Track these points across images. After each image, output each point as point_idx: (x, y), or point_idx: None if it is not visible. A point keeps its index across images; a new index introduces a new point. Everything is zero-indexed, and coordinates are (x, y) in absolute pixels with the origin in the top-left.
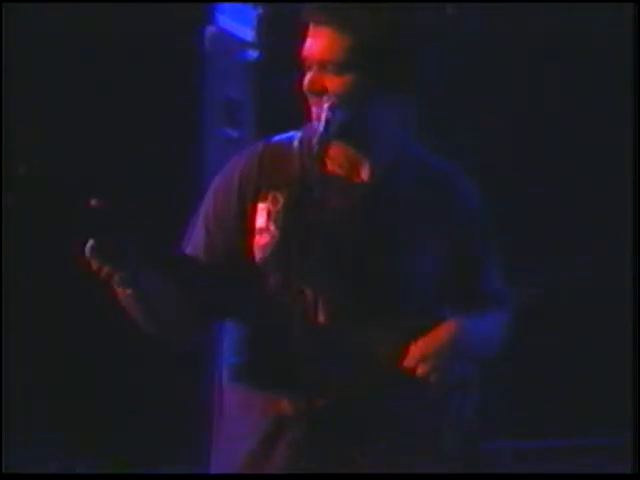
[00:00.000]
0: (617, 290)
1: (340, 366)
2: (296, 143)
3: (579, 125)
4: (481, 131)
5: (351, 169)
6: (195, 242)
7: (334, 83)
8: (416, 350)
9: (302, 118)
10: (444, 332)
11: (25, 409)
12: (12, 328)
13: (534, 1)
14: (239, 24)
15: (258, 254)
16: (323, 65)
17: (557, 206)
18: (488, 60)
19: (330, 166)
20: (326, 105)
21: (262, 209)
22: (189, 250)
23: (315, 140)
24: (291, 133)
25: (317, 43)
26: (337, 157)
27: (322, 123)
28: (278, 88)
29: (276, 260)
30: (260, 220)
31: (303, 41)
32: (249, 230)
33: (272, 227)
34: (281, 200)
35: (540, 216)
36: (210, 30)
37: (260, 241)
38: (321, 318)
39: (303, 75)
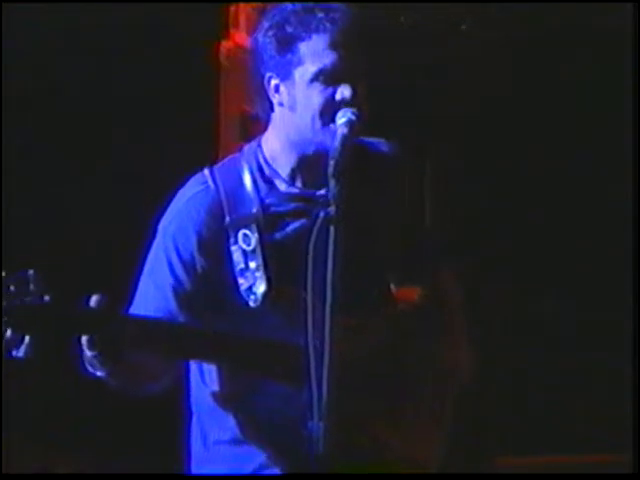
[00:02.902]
0: (618, 305)
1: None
2: (245, 167)
3: (578, 126)
4: (480, 133)
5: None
6: (165, 296)
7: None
8: None
9: None
10: None
11: (25, 409)
12: None
13: (534, 1)
14: None
15: (249, 298)
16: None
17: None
18: (489, 61)
19: (279, 179)
20: (344, 120)
21: (235, 250)
22: (157, 307)
23: (337, 155)
24: (233, 155)
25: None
26: (286, 167)
27: (339, 138)
28: None
29: (271, 301)
30: (237, 262)
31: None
32: (226, 274)
33: (253, 267)
34: (253, 238)
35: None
36: (226, 45)
37: (245, 284)
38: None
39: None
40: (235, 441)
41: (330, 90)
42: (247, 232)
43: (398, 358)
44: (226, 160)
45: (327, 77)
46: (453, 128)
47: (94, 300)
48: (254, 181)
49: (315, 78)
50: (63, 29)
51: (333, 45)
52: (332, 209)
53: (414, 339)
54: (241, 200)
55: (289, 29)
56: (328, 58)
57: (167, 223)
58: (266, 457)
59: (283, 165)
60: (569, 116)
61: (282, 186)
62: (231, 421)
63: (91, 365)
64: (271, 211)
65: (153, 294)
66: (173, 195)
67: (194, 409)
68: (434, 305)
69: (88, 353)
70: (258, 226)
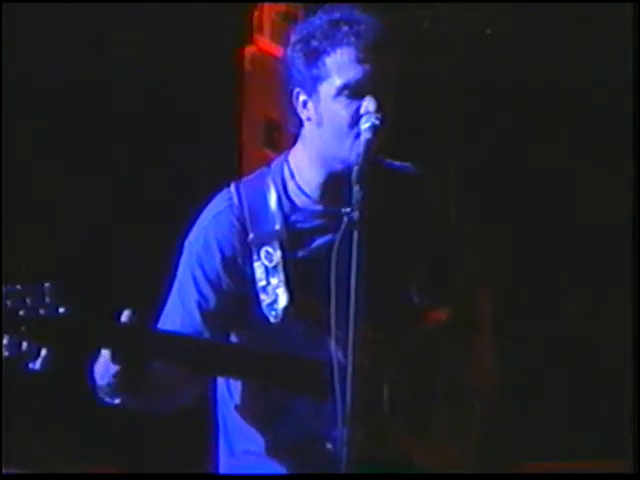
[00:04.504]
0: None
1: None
2: (270, 183)
3: (578, 126)
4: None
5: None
6: (190, 312)
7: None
8: None
9: None
10: None
11: (25, 409)
12: None
13: (534, 1)
14: (278, 45)
15: (270, 314)
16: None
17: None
18: (490, 63)
19: (302, 197)
20: (368, 125)
21: (258, 267)
22: (181, 321)
23: (363, 164)
24: (261, 170)
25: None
26: (311, 183)
27: (363, 143)
28: None
29: (292, 316)
30: (259, 279)
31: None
32: (248, 290)
33: (274, 283)
34: (275, 254)
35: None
36: (249, 50)
37: (267, 300)
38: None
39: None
40: (261, 452)
41: (355, 104)
42: (269, 249)
43: (422, 371)
44: (254, 175)
45: (352, 91)
46: (474, 139)
47: (125, 315)
48: (279, 198)
49: (340, 92)
50: (84, 31)
51: (358, 59)
52: (355, 214)
53: (440, 354)
54: (264, 217)
55: (314, 43)
56: (353, 72)
57: (193, 240)
58: (291, 469)
59: (309, 181)
60: (566, 117)
61: (307, 203)
62: (257, 433)
63: (110, 388)
64: (295, 228)
65: (179, 310)
66: (199, 211)
67: (221, 418)
68: (463, 325)
69: (112, 369)
70: (280, 243)
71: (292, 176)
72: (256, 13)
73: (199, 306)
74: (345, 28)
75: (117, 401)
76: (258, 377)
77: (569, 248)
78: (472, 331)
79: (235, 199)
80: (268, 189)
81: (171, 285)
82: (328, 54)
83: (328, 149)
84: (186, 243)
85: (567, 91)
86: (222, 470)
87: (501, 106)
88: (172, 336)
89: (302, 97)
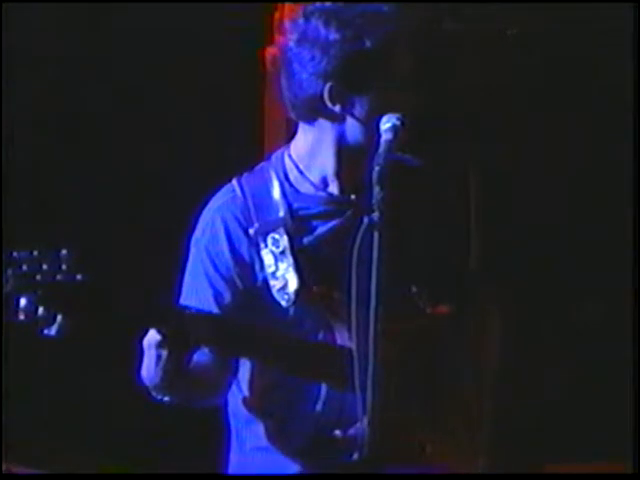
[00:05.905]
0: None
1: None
2: (272, 173)
3: (578, 126)
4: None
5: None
6: (208, 307)
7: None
8: None
9: None
10: None
11: (26, 407)
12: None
13: (534, 1)
14: None
15: (283, 298)
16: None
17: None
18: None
19: (308, 184)
20: (389, 126)
21: (266, 254)
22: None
23: (382, 161)
24: (262, 164)
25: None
26: (320, 170)
27: (383, 144)
28: None
29: (303, 300)
30: (269, 265)
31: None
32: (258, 278)
33: (283, 268)
34: (282, 240)
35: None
36: (271, 51)
37: (278, 285)
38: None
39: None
40: (271, 449)
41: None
42: (276, 236)
43: (434, 366)
44: (255, 168)
45: (391, 89)
46: (492, 139)
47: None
48: (281, 185)
49: (382, 89)
50: (107, 30)
51: (410, 53)
52: (376, 215)
53: (449, 346)
54: (268, 206)
55: (368, 44)
56: (399, 72)
57: (199, 235)
58: (301, 465)
59: (314, 169)
60: (566, 118)
61: (311, 190)
62: (266, 429)
63: (161, 384)
64: (300, 215)
65: (196, 306)
66: (203, 206)
67: (231, 415)
68: (473, 325)
69: (157, 353)
70: (286, 229)
71: (295, 164)
72: (277, 14)
73: (216, 300)
74: (396, 27)
75: (167, 398)
76: (287, 361)
77: (580, 252)
78: (480, 331)
79: (238, 191)
80: (270, 179)
81: (182, 278)
82: (385, 53)
83: (345, 140)
84: (193, 239)
85: (564, 91)
86: (231, 467)
87: (518, 106)
88: (212, 317)
89: (340, 91)
